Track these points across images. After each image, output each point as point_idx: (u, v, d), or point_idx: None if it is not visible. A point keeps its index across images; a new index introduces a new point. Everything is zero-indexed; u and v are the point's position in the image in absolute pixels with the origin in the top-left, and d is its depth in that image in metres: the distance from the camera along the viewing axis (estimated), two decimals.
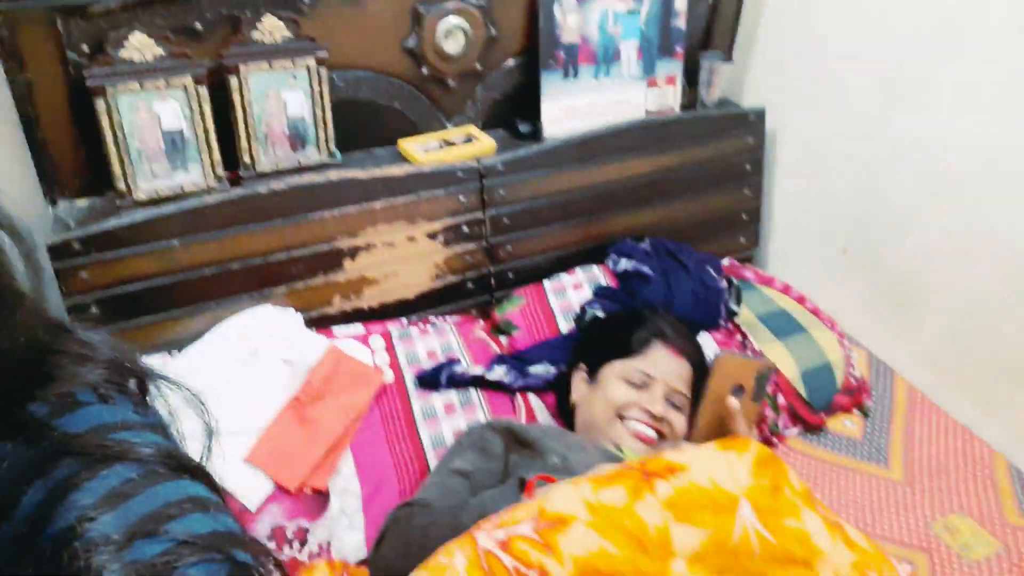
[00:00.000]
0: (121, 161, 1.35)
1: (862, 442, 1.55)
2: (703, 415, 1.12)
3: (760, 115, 1.85)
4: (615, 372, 1.30)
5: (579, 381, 1.38)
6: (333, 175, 1.43)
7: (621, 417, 1.25)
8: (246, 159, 1.42)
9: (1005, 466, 1.47)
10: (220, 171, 1.40)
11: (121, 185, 1.37)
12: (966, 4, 1.44)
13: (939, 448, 1.52)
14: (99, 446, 0.43)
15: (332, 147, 1.48)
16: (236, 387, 1.34)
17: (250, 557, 0.43)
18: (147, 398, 0.51)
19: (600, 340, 1.40)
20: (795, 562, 0.89)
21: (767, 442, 1.53)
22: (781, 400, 1.54)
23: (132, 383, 0.50)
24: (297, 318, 1.44)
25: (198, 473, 0.46)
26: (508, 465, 1.20)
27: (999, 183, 1.45)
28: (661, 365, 1.29)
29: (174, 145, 1.38)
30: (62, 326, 0.48)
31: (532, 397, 1.52)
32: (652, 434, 1.23)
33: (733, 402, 1.07)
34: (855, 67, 1.68)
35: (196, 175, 1.39)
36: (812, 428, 1.56)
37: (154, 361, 1.37)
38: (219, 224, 1.37)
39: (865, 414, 1.60)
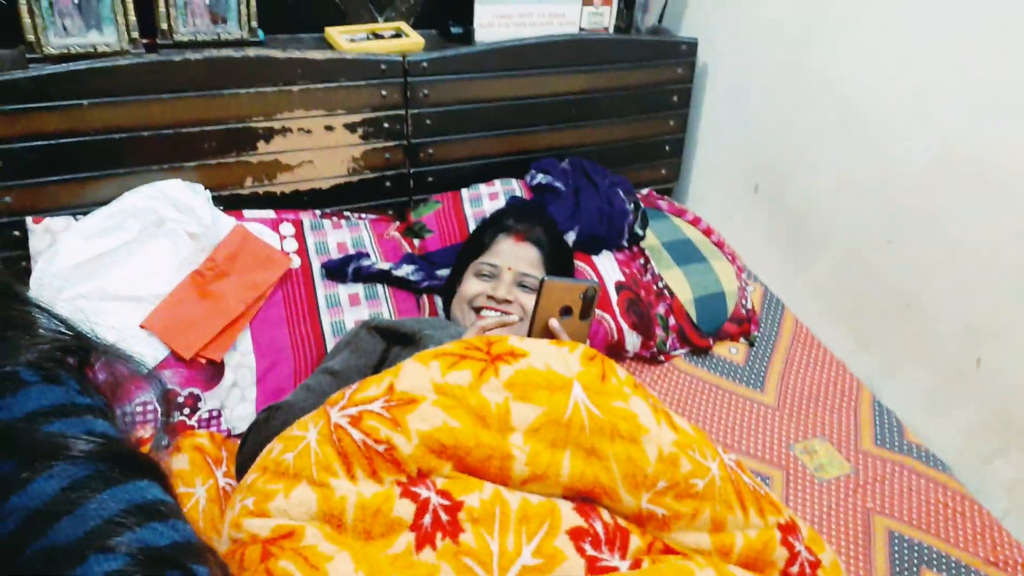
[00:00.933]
0: (32, 13, 1.31)
1: (743, 367, 1.64)
2: (533, 337, 1.18)
3: (692, 46, 1.88)
4: (471, 271, 1.38)
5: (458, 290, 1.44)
6: (251, 52, 1.41)
7: (475, 309, 1.33)
8: (164, 26, 1.39)
9: (870, 399, 1.59)
10: (135, 34, 1.37)
11: (31, 38, 1.33)
12: None
13: (813, 379, 1.63)
14: (42, 439, 0.38)
15: (254, 24, 1.46)
16: (138, 254, 1.35)
17: (207, 571, 0.40)
18: (89, 373, 0.44)
19: (464, 248, 1.46)
20: (621, 437, 0.98)
21: (654, 359, 1.61)
22: (672, 322, 1.62)
23: (71, 358, 0.43)
24: (206, 195, 1.44)
25: (150, 470, 0.41)
26: (389, 358, 1.25)
27: (894, 124, 1.51)
28: (506, 254, 1.36)
29: (88, 2, 1.34)
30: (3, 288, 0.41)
31: (437, 298, 1.57)
32: (502, 317, 1.29)
33: (554, 323, 1.14)
34: (785, 6, 1.71)
35: (110, 36, 1.36)
36: (698, 350, 1.65)
37: (58, 222, 1.36)
38: (130, 89, 1.34)
39: (751, 343, 1.69)
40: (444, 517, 0.92)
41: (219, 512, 1.10)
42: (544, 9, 1.72)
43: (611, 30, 1.82)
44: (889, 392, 1.61)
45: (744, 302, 1.72)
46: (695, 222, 1.87)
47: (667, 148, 1.97)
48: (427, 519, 0.92)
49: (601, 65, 1.77)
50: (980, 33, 1.33)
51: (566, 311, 1.18)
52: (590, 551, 0.94)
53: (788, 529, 1.08)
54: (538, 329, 1.21)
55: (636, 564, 0.96)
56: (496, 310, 1.32)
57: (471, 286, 1.36)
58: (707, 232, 1.85)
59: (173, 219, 1.38)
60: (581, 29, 1.78)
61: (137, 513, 0.38)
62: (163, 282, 1.35)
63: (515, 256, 1.36)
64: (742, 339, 1.70)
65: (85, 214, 1.38)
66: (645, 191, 1.95)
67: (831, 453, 1.48)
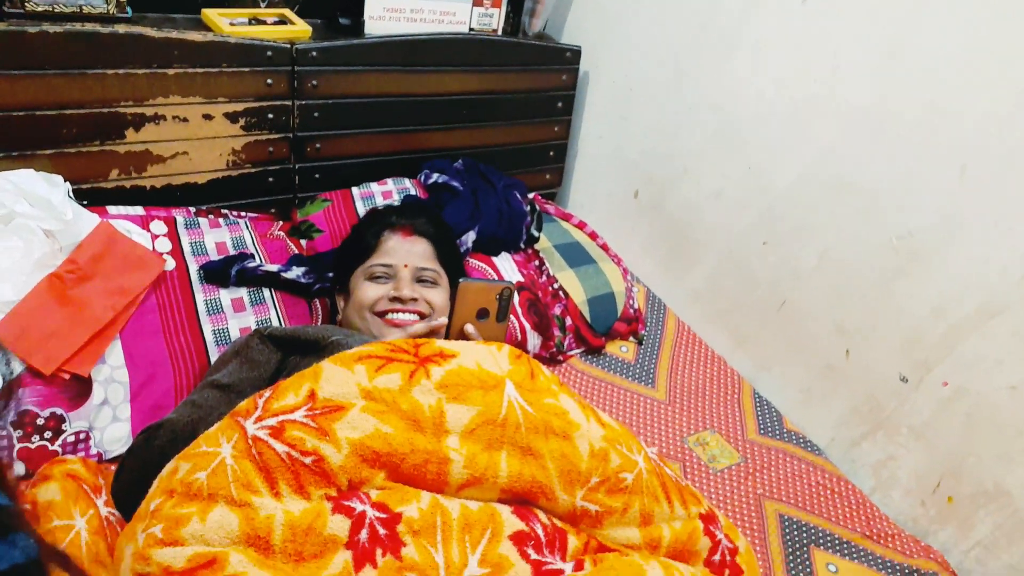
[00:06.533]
0: None
1: (634, 365, 1.68)
2: (451, 340, 1.15)
3: (576, 53, 1.91)
4: (359, 276, 1.28)
5: (340, 301, 1.35)
6: (121, 29, 1.26)
7: (379, 314, 1.23)
8: None
9: (750, 392, 1.68)
10: None
11: None
12: None
13: (698, 374, 1.70)
14: None
15: None
16: None
17: None
18: None
19: (344, 251, 1.37)
20: (555, 434, 0.97)
21: (553, 359, 1.61)
22: (568, 322, 1.63)
23: None
24: (65, 187, 1.27)
25: None
26: (287, 369, 1.15)
27: (770, 137, 1.62)
28: (397, 252, 1.28)
29: None
30: None
31: (330, 302, 1.47)
32: (408, 317, 1.23)
33: (469, 328, 1.12)
34: (668, 17, 1.78)
35: None
36: (593, 350, 1.67)
37: None
38: None
39: (639, 341, 1.74)
40: (382, 531, 0.86)
41: (105, 546, 0.96)
42: (435, 6, 1.68)
43: (500, 32, 1.82)
44: (766, 384, 1.71)
45: (631, 302, 1.76)
46: (581, 226, 1.89)
47: (551, 154, 1.99)
48: (364, 535, 0.85)
49: (490, 67, 1.76)
50: (850, 59, 1.44)
51: (483, 313, 1.15)
52: (534, 555, 0.91)
53: (709, 519, 1.11)
54: (455, 333, 1.17)
55: (578, 565, 0.94)
56: (401, 310, 1.25)
57: (367, 291, 1.26)
58: (592, 236, 1.88)
59: (25, 214, 1.20)
60: (471, 29, 1.76)
61: None
62: (12, 287, 1.17)
63: (408, 252, 1.29)
64: (631, 338, 1.74)
65: None
66: (531, 195, 1.96)
67: (721, 444, 1.54)
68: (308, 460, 0.86)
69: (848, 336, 1.55)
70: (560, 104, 1.94)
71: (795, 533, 1.37)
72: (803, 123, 1.55)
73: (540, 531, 0.94)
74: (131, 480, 1.00)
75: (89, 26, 1.23)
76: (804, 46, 1.52)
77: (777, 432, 1.59)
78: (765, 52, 1.59)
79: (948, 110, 1.32)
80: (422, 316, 1.25)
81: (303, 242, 1.55)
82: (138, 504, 0.88)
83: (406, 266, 1.26)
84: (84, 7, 1.27)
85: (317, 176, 1.60)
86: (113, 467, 1.10)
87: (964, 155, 1.31)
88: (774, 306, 1.67)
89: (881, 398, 1.51)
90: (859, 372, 1.54)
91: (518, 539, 0.91)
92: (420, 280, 1.27)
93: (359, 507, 0.86)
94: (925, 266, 1.41)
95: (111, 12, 1.30)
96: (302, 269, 1.42)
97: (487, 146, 1.85)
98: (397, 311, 1.24)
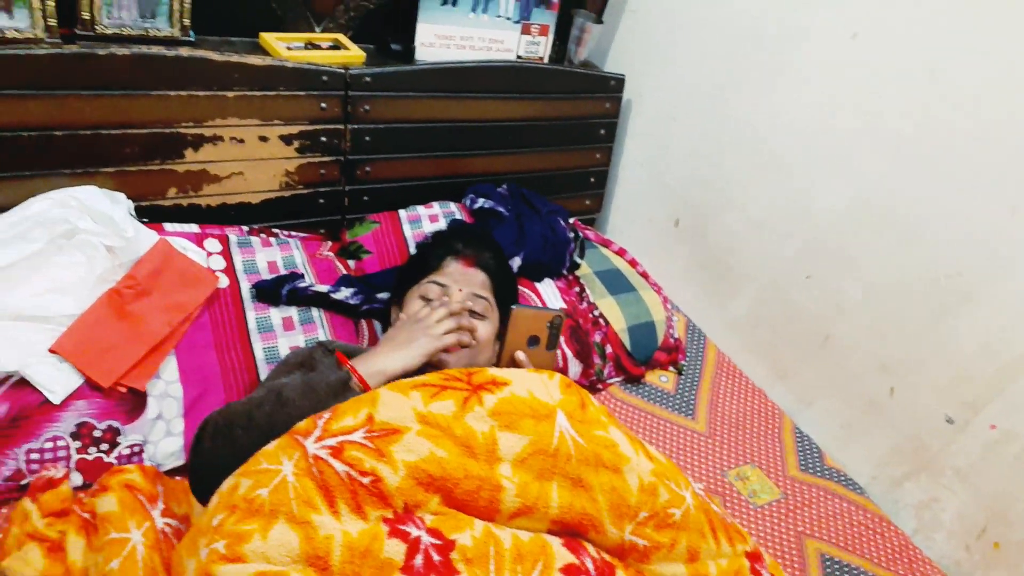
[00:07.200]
0: None
1: (674, 395, 1.68)
2: (502, 367, 1.15)
3: (620, 82, 1.93)
4: (415, 292, 1.28)
5: (394, 313, 1.35)
6: (185, 52, 1.29)
7: None
8: (85, 15, 1.25)
9: (791, 426, 1.66)
10: (53, 22, 1.22)
11: None
12: (809, 11, 1.58)
13: (738, 407, 1.69)
14: None
15: (187, 22, 1.34)
16: (44, 269, 1.18)
17: None
18: None
19: (405, 268, 1.38)
20: (605, 466, 0.97)
21: (592, 388, 1.61)
22: (608, 350, 1.63)
23: None
24: (127, 204, 1.30)
25: None
26: None
27: (813, 169, 1.61)
28: (455, 277, 1.28)
29: None
30: None
31: (376, 323, 1.49)
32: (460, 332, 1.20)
33: (520, 355, 1.13)
34: (711, 46, 1.79)
35: (22, 21, 1.20)
36: (632, 379, 1.67)
37: None
38: (45, 82, 1.19)
39: (679, 371, 1.73)
40: (436, 558, 0.86)
41: (160, 560, 0.97)
42: (484, 34, 1.70)
43: (546, 60, 1.84)
44: (807, 419, 1.69)
45: (672, 331, 1.76)
46: (621, 253, 1.90)
47: (592, 180, 2.01)
48: (419, 560, 0.85)
49: (536, 94, 1.78)
50: (894, 90, 1.44)
51: (533, 340, 1.15)
52: None
53: (755, 557, 1.10)
54: (506, 360, 1.17)
55: None
56: None
57: (415, 308, 1.26)
58: (633, 263, 1.88)
59: (88, 230, 1.23)
60: (518, 57, 1.78)
61: None
62: (75, 301, 1.19)
63: (464, 279, 1.29)
64: (671, 367, 1.73)
65: None
66: (571, 221, 1.97)
67: (762, 479, 1.53)
68: (366, 480, 0.87)
69: (892, 374, 1.54)
70: (603, 131, 1.96)
71: (837, 573, 1.36)
72: (848, 154, 1.55)
73: (590, 565, 0.94)
74: (220, 441, 0.99)
75: (156, 49, 1.27)
76: (850, 76, 1.52)
77: (818, 469, 1.57)
78: (810, 81, 1.59)
79: (998, 145, 1.31)
80: (463, 345, 1.25)
81: (351, 262, 1.57)
82: (220, 480, 0.89)
83: (460, 290, 1.27)
84: (150, 30, 1.31)
85: (366, 198, 1.62)
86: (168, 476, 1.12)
87: (1015, 189, 1.30)
88: (817, 340, 1.66)
89: (925, 438, 1.49)
90: (903, 411, 1.52)
91: (569, 572, 0.91)
92: (470, 311, 1.27)
93: (414, 532, 0.87)
94: (974, 305, 1.39)
95: (176, 35, 1.33)
96: (351, 290, 1.44)
97: (529, 171, 1.87)
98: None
